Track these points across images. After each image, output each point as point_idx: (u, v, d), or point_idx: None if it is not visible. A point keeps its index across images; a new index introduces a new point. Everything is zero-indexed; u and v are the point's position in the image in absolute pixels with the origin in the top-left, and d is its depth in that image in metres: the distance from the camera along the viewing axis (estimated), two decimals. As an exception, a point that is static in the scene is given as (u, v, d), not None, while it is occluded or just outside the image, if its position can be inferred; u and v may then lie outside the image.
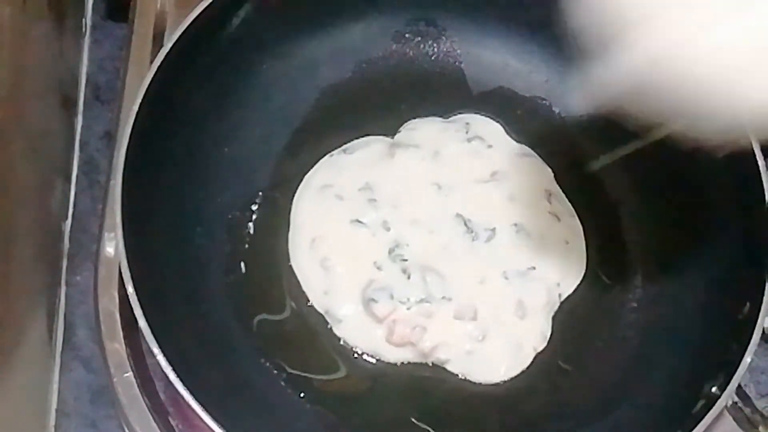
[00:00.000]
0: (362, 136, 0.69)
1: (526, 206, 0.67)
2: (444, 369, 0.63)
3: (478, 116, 0.70)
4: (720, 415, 0.56)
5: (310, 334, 0.64)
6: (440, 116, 0.70)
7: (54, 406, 0.68)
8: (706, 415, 0.55)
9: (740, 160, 0.60)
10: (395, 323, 0.63)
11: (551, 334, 0.64)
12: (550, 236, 0.67)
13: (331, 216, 0.66)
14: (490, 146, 0.69)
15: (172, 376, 0.53)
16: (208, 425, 0.53)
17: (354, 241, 0.66)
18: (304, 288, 0.65)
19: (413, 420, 0.61)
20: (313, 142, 0.68)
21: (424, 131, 0.69)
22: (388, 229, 0.66)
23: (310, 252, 0.65)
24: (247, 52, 0.66)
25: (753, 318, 0.57)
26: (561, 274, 0.66)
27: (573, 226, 0.68)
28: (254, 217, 0.66)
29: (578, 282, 0.66)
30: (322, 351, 0.63)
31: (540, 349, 0.64)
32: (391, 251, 0.65)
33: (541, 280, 0.65)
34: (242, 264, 0.65)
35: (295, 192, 0.67)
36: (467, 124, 0.69)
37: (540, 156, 0.69)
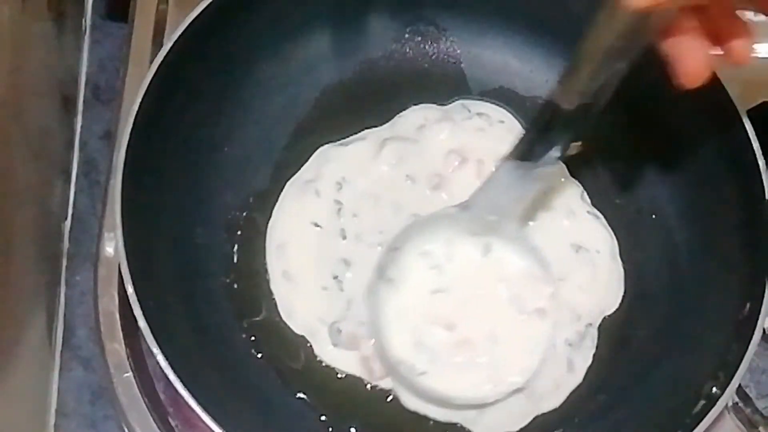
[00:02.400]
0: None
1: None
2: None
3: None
4: (720, 415, 0.56)
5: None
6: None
7: (53, 406, 0.68)
8: (706, 415, 0.55)
9: (741, 160, 0.60)
10: (371, 360, 0.61)
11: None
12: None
13: (300, 217, 0.65)
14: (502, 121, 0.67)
15: (171, 376, 0.53)
16: (207, 425, 0.52)
17: (313, 249, 0.64)
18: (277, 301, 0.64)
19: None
20: (312, 142, 0.68)
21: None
22: (344, 237, 0.64)
23: (277, 261, 0.64)
24: (247, 52, 0.66)
25: (753, 318, 0.57)
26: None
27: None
28: (254, 217, 0.66)
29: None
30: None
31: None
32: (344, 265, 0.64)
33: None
34: (242, 264, 0.65)
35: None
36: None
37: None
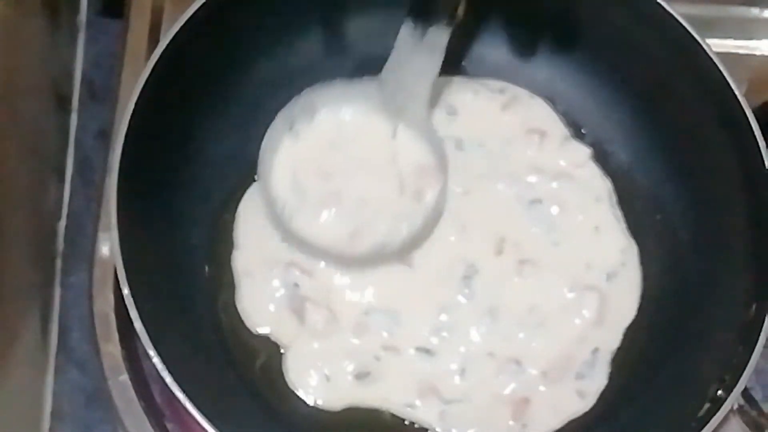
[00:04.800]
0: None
1: None
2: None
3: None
4: (726, 418, 0.56)
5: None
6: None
7: (48, 409, 0.68)
8: (712, 418, 0.55)
9: (747, 159, 0.59)
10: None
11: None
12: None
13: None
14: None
15: (167, 378, 0.53)
16: (204, 428, 0.52)
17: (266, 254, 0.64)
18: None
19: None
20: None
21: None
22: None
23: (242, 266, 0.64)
24: (245, 49, 0.65)
25: (759, 320, 0.56)
26: None
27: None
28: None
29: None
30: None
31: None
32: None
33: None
34: (239, 265, 0.64)
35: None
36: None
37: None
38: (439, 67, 0.62)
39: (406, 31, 0.60)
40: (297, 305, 0.62)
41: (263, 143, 0.62)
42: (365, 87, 0.63)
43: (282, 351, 0.61)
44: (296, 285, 0.62)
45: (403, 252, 0.62)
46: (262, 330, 0.62)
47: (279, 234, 0.62)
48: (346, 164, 0.63)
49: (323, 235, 0.62)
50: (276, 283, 0.62)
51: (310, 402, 0.60)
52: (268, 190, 0.62)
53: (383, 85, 0.63)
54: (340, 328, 0.61)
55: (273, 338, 0.62)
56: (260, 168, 0.62)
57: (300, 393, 0.60)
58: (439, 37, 0.60)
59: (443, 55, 0.61)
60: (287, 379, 0.61)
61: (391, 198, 0.63)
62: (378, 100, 0.63)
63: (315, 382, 0.60)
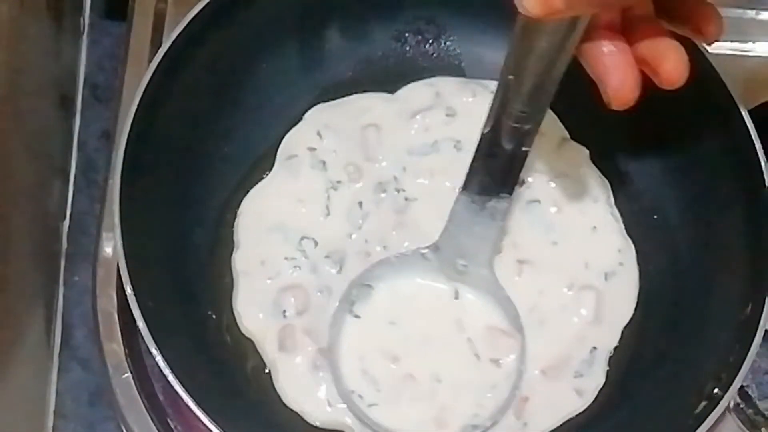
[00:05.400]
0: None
1: None
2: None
3: None
4: (722, 416, 0.56)
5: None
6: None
7: (52, 407, 0.68)
8: (708, 416, 0.55)
9: (743, 160, 0.59)
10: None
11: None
12: None
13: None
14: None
15: (170, 377, 0.53)
16: (206, 426, 0.52)
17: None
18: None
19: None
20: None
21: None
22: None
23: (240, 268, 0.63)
24: (247, 51, 0.66)
25: (755, 319, 0.56)
26: None
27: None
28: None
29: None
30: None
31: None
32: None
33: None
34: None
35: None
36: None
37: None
38: (502, 228, 0.61)
39: (464, 201, 0.58)
40: (285, 333, 0.61)
41: (329, 331, 0.61)
42: (419, 256, 0.61)
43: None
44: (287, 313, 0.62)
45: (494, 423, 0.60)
46: (249, 335, 0.62)
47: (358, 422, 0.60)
48: (412, 341, 0.61)
49: (408, 424, 0.59)
50: (270, 295, 0.62)
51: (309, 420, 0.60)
52: (341, 382, 0.60)
53: (440, 251, 0.61)
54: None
55: (258, 347, 0.62)
56: (328, 358, 0.60)
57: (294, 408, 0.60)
58: (502, 204, 0.57)
59: (505, 218, 0.60)
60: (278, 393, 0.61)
61: (468, 370, 0.61)
62: (434, 266, 0.61)
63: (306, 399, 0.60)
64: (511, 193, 0.57)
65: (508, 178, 0.56)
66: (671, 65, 0.47)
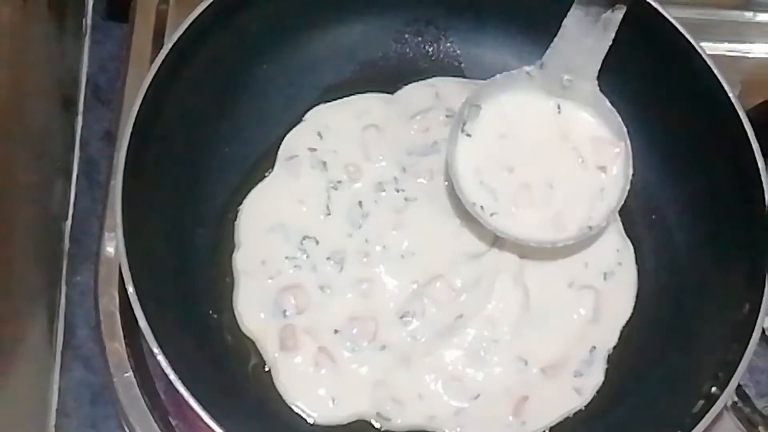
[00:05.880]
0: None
1: None
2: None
3: None
4: (720, 415, 0.56)
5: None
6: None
7: (54, 406, 0.67)
8: (705, 415, 0.55)
9: (740, 160, 0.60)
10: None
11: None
12: None
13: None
14: None
15: (172, 376, 0.53)
16: (208, 425, 0.52)
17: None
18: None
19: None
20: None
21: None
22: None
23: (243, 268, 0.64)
24: (247, 52, 0.66)
25: (753, 318, 0.57)
26: None
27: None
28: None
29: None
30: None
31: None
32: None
33: None
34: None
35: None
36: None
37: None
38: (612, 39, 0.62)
39: (578, 15, 0.61)
40: (286, 333, 0.62)
41: (447, 151, 0.63)
42: (524, 75, 0.64)
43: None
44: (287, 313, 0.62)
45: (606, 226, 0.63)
46: (250, 335, 0.62)
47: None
48: (522, 152, 0.64)
49: (529, 229, 0.62)
50: (268, 296, 0.62)
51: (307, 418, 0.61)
52: (462, 197, 0.62)
53: (546, 68, 0.63)
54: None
55: (258, 346, 0.62)
56: (448, 174, 0.63)
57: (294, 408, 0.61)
58: (616, 15, 0.60)
59: (617, 29, 0.61)
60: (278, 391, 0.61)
61: (577, 176, 0.64)
62: (537, 83, 0.64)
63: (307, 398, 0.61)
64: (627, 2, 0.59)
65: None
66: None
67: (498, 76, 0.64)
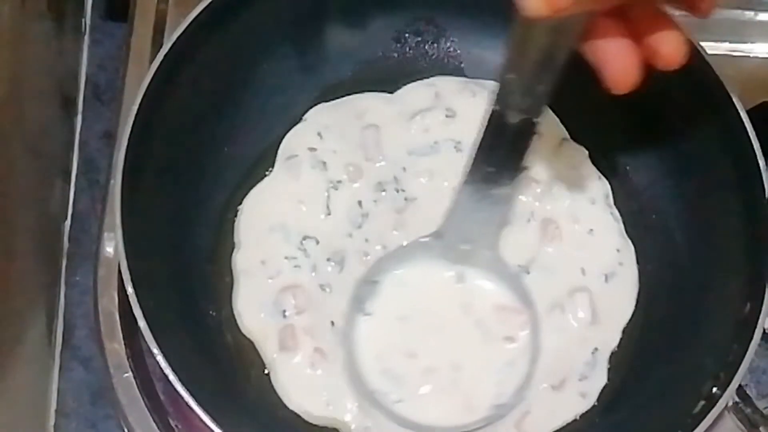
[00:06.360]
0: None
1: None
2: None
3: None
4: (720, 415, 0.56)
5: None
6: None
7: (53, 406, 0.68)
8: (707, 415, 0.55)
9: (741, 160, 0.60)
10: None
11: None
12: None
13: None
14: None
15: (171, 376, 0.53)
16: (207, 426, 0.52)
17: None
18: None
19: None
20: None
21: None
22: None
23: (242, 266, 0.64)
24: (247, 52, 0.66)
25: (754, 318, 0.56)
26: None
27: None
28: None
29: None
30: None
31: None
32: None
33: None
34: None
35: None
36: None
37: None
38: (508, 211, 0.61)
39: (467, 192, 0.58)
40: (286, 333, 0.61)
41: (347, 332, 0.61)
42: (421, 245, 0.62)
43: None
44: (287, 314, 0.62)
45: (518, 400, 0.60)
46: (250, 335, 0.62)
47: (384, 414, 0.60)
48: (425, 333, 0.61)
49: (436, 415, 0.60)
50: (268, 296, 0.62)
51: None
52: (363, 383, 0.60)
53: (443, 238, 0.61)
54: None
55: (257, 347, 0.62)
56: (346, 358, 0.60)
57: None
58: (505, 191, 0.58)
59: (509, 203, 0.61)
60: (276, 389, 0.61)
61: (483, 352, 0.61)
62: (437, 252, 0.62)
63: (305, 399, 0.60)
64: (513, 180, 0.58)
65: (510, 165, 0.57)
66: (671, 46, 0.47)
67: (394, 249, 0.62)
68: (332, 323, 0.61)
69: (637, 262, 0.65)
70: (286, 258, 0.63)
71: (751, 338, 0.56)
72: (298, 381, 0.60)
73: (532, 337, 0.61)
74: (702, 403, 0.56)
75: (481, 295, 0.62)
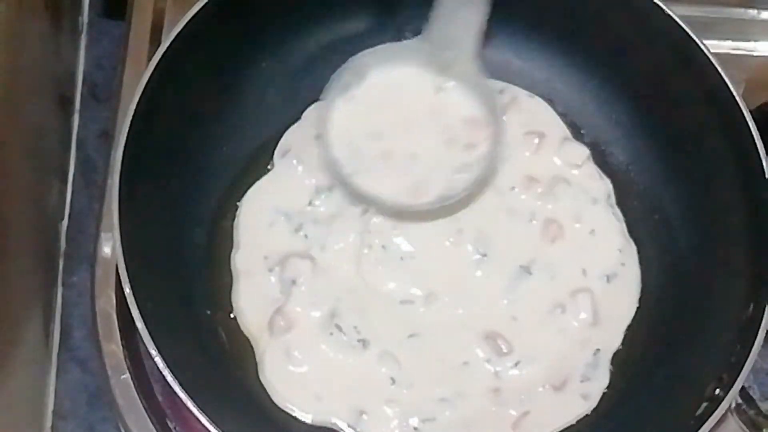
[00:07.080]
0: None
1: None
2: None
3: None
4: (723, 416, 0.56)
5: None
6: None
7: (50, 408, 0.67)
8: (709, 416, 0.55)
9: (745, 160, 0.60)
10: None
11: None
12: None
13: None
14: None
15: (169, 377, 0.53)
16: (205, 427, 0.52)
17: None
18: None
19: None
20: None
21: None
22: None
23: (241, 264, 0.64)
24: (246, 50, 0.66)
25: (757, 319, 0.56)
26: None
27: None
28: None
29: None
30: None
31: None
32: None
33: None
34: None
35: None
36: None
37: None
38: (486, 17, 0.63)
39: None
40: (284, 330, 0.61)
41: (322, 106, 0.64)
42: (411, 46, 0.65)
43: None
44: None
45: (464, 203, 0.64)
46: (248, 334, 0.62)
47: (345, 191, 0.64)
48: (395, 122, 0.65)
49: (385, 191, 0.63)
50: (270, 289, 0.62)
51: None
52: (327, 152, 0.63)
53: (427, 42, 0.64)
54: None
55: (255, 346, 0.62)
56: (319, 130, 0.64)
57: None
58: None
59: (489, 5, 0.62)
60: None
61: (441, 152, 0.64)
62: (424, 57, 0.65)
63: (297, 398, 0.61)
64: None
65: None
66: None
67: (382, 46, 0.66)
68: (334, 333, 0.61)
69: (640, 263, 0.65)
70: (285, 255, 0.63)
71: (755, 339, 0.56)
72: (295, 380, 0.60)
73: (493, 146, 0.64)
74: (705, 404, 0.56)
75: (454, 105, 0.66)
